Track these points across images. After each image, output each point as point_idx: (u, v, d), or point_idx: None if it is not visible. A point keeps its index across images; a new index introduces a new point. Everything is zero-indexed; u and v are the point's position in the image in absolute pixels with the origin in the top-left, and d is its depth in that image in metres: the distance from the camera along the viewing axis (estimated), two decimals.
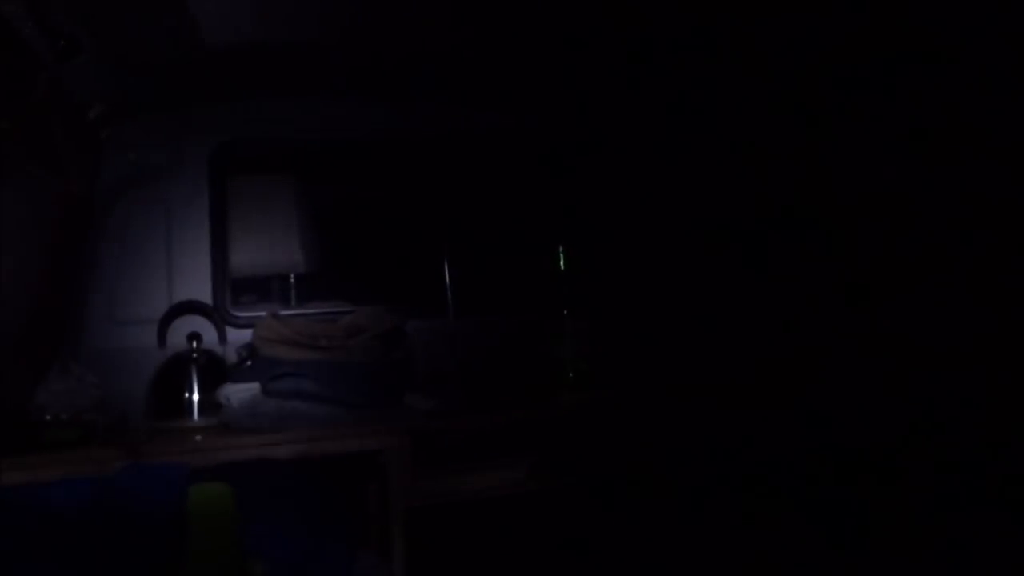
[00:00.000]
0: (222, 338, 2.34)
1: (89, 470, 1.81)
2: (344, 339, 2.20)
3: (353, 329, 2.23)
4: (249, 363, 2.15)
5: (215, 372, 2.21)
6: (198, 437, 2.03)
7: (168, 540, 1.60)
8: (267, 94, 2.50)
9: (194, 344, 2.23)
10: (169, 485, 1.69)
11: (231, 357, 2.25)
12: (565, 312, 2.39)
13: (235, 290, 2.53)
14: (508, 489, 2.17)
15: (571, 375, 2.36)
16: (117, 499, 1.67)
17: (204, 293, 2.43)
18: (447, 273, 2.65)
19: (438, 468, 2.11)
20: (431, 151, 2.75)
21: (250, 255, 2.59)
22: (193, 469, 1.80)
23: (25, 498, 1.63)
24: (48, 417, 1.97)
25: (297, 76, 2.38)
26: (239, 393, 2.09)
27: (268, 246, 2.62)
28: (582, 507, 2.24)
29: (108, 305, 2.37)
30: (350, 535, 2.02)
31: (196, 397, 2.18)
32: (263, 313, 2.27)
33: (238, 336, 2.35)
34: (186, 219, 2.45)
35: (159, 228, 2.43)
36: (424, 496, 2.08)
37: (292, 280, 2.70)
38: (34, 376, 2.09)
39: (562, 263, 2.45)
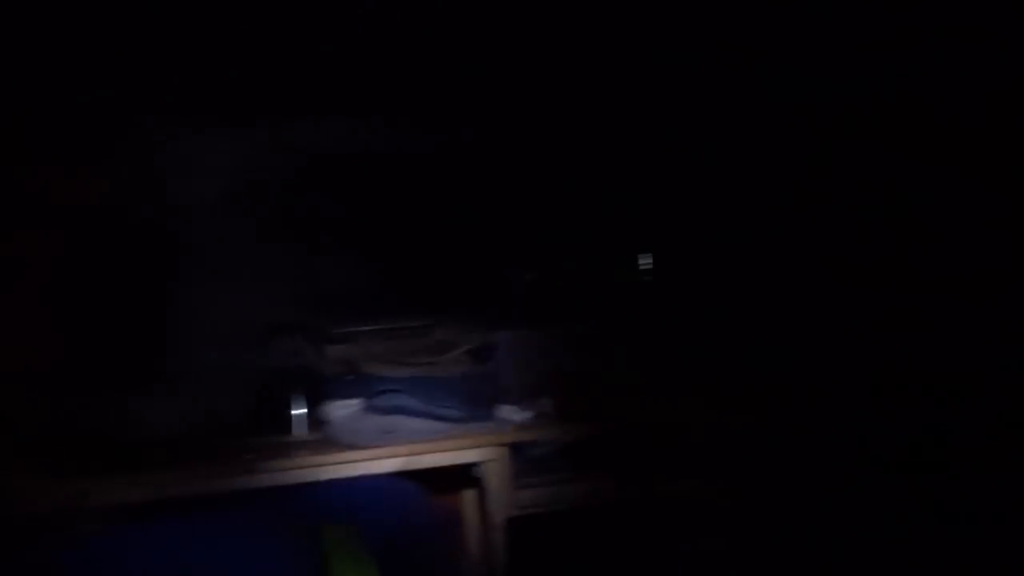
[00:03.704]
0: (320, 354, 2.39)
1: (180, 491, 1.87)
2: (437, 354, 2.25)
3: (445, 344, 2.29)
4: (349, 379, 2.21)
5: (314, 388, 2.28)
6: (301, 453, 2.08)
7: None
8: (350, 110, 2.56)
9: (294, 360, 2.29)
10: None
11: (330, 373, 2.30)
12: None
13: (328, 306, 2.59)
14: (604, 499, 2.19)
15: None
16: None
17: (299, 309, 2.49)
18: (528, 284, 2.66)
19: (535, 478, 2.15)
20: (498, 162, 2.76)
21: (338, 270, 2.65)
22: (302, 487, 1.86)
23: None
24: (140, 437, 2.02)
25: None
26: (341, 409, 2.15)
27: (356, 261, 2.68)
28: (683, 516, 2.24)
29: (204, 322, 2.45)
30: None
31: (298, 412, 2.25)
32: (359, 329, 2.32)
33: (334, 352, 2.40)
34: (275, 235, 2.52)
35: (251, 243, 2.50)
36: (523, 506, 2.12)
37: (379, 295, 2.75)
38: (125, 396, 2.15)
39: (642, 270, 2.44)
